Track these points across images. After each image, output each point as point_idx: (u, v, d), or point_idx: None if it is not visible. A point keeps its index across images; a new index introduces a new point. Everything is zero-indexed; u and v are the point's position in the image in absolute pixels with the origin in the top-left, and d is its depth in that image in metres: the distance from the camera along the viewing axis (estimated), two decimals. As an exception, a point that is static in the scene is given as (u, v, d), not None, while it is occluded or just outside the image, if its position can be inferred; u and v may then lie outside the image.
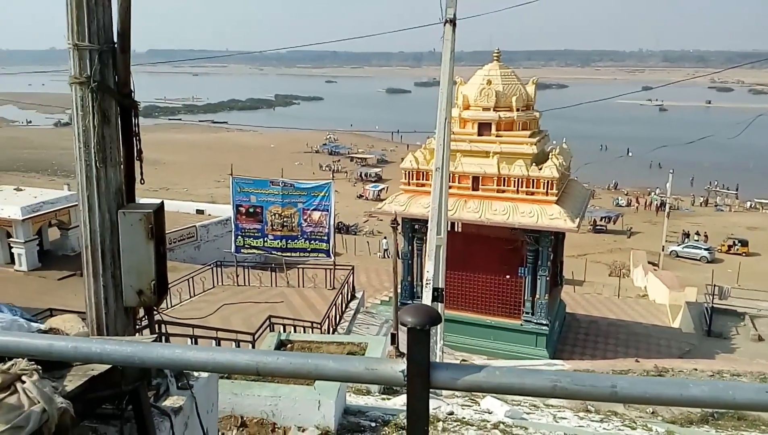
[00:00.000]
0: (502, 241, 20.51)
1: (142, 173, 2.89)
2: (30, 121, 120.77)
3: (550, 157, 20.51)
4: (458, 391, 1.66)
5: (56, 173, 70.32)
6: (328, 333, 17.46)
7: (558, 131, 26.26)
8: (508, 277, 20.71)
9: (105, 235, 2.77)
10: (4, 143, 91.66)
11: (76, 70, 2.62)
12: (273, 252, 23.84)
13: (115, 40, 2.67)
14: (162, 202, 2.94)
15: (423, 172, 20.88)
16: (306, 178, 29.94)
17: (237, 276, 23.84)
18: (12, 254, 27.05)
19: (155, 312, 2.99)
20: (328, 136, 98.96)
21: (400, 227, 19.99)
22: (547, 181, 19.77)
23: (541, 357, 20.13)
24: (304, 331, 16.91)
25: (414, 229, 21.25)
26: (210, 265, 24.21)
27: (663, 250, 41.31)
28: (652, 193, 63.30)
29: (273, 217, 23.17)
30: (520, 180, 19.98)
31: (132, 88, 2.73)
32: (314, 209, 22.81)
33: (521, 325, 20.60)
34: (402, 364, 1.57)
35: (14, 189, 30.49)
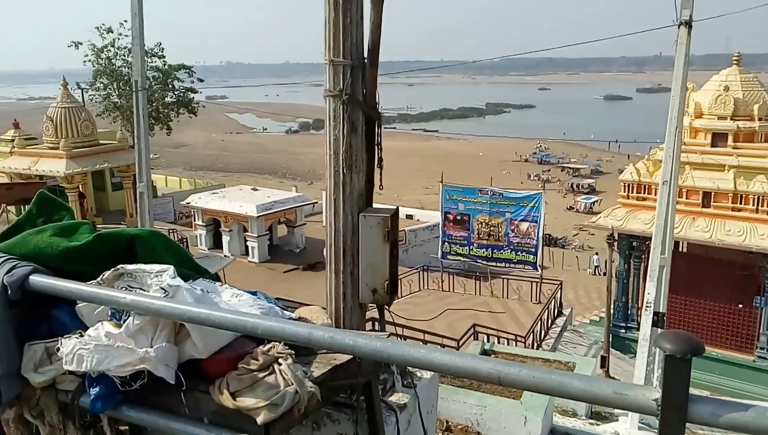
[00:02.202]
0: (735, 266, 18.39)
1: (381, 180, 3.08)
2: (265, 129, 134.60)
3: (800, 173, 17.99)
4: (718, 428, 1.50)
5: (285, 176, 77.60)
6: (532, 348, 17.04)
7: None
8: (740, 305, 18.54)
9: (347, 235, 3.00)
10: (245, 148, 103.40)
11: (331, 84, 2.88)
12: (478, 260, 23.92)
13: (365, 55, 2.88)
14: (397, 208, 3.11)
15: (645, 186, 19.50)
16: (514, 187, 29.57)
17: (442, 281, 24.29)
18: (247, 247, 30.43)
19: (386, 310, 3.16)
20: (538, 145, 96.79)
21: (616, 243, 18.88)
22: (795, 201, 17.37)
23: (778, 400, 17.69)
24: (507, 343, 16.69)
25: (632, 246, 19.92)
26: (417, 268, 24.98)
27: None
28: None
29: (480, 225, 23.25)
30: (761, 198, 17.77)
31: (377, 100, 2.93)
32: (522, 220, 22.46)
33: (754, 361, 18.31)
34: (656, 393, 1.47)
35: (251, 189, 34.27)
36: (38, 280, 2.36)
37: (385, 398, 2.93)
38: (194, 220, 32.30)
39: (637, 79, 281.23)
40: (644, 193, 19.57)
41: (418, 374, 3.16)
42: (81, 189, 31.85)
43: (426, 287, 24.32)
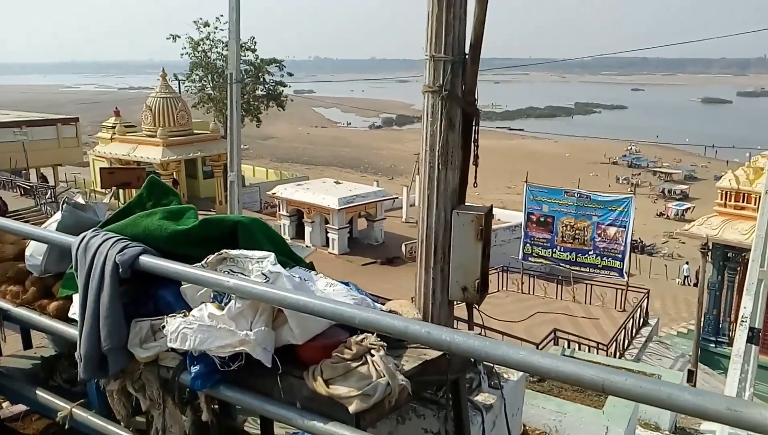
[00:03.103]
0: (842, 284, 17.11)
1: (476, 177, 3.06)
2: (349, 123, 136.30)
3: None
4: None
5: (367, 170, 78.28)
6: (614, 357, 16.51)
7: None
8: None
9: (439, 232, 2.99)
10: (329, 141, 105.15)
11: (430, 79, 2.87)
12: (561, 264, 23.32)
13: (466, 51, 2.86)
14: (491, 207, 3.07)
15: (744, 194, 18.42)
16: (601, 190, 28.63)
17: (522, 283, 23.85)
18: (327, 238, 30.98)
19: (475, 309, 3.14)
20: (629, 148, 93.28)
21: (709, 253, 17.95)
22: None
23: None
24: (588, 351, 16.24)
25: (727, 257, 18.88)
26: (496, 269, 24.61)
27: None
28: None
29: (564, 228, 22.65)
30: None
31: (476, 96, 2.90)
32: (610, 224, 21.71)
33: None
34: (775, 413, 1.39)
35: (334, 182, 34.84)
36: (147, 260, 2.48)
37: (471, 397, 2.91)
38: (278, 210, 33.18)
39: (738, 82, 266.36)
40: (743, 201, 18.49)
41: (505, 375, 3.12)
42: (175, 176, 33.40)
43: (505, 289, 23.96)
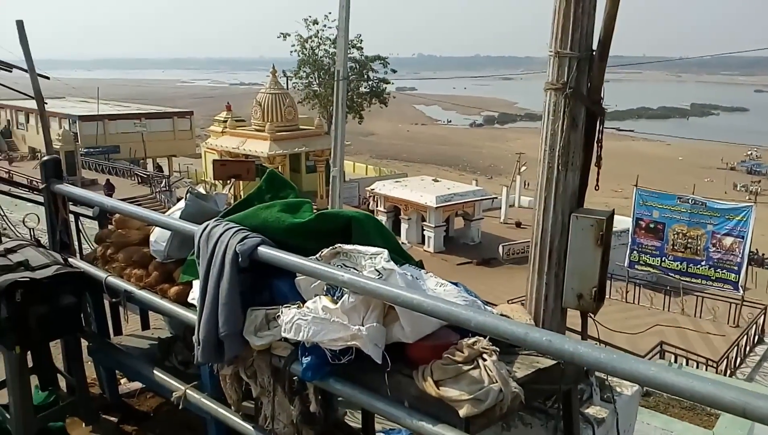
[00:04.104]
0: None
1: (598, 180, 2.92)
2: (450, 121, 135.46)
3: None
4: None
5: (466, 169, 77.58)
6: (724, 375, 15.49)
7: None
8: None
9: (555, 235, 2.88)
10: (428, 139, 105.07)
11: (554, 76, 2.77)
12: (670, 274, 22.09)
13: (594, 47, 2.74)
14: (613, 211, 2.93)
15: None
16: (717, 196, 26.84)
17: (626, 292, 22.84)
18: (423, 236, 31.02)
19: (591, 319, 3.01)
20: (749, 153, 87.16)
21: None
22: None
23: None
24: (697, 367, 15.35)
25: None
26: (599, 275, 23.66)
27: None
28: None
29: (675, 235, 21.45)
30: None
31: (602, 95, 2.78)
32: (726, 234, 20.33)
33: None
34: None
35: (432, 179, 34.80)
36: (265, 251, 2.55)
37: (582, 409, 2.79)
38: (376, 206, 33.56)
39: None
40: None
41: (618, 389, 2.97)
42: (279, 169, 34.54)
43: (608, 297, 22.90)
